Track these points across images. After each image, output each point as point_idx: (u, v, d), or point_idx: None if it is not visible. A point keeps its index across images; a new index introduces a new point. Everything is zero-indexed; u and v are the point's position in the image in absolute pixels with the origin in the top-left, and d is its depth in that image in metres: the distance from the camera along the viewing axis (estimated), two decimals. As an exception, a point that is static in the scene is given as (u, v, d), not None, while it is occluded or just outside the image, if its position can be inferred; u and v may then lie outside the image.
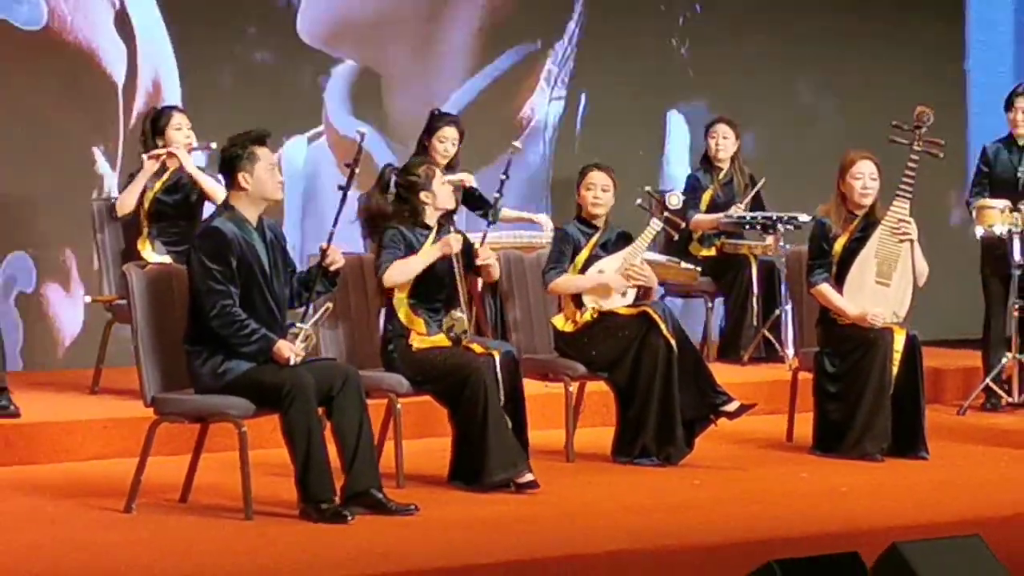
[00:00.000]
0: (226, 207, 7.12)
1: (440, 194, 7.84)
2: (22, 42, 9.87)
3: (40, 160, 9.80)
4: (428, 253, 7.70)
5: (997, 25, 13.01)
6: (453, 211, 8.02)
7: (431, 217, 7.82)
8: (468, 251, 7.90)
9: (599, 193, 8.39)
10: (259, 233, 7.08)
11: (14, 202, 9.81)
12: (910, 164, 8.63)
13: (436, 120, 9.83)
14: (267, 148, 7.09)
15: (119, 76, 10.12)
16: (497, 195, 8.81)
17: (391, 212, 7.86)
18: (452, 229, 7.84)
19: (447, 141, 9.77)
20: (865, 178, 8.55)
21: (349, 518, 6.84)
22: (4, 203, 9.77)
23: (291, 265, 7.25)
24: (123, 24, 10.11)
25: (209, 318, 6.93)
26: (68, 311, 9.94)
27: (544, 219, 10.09)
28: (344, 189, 7.53)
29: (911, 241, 8.57)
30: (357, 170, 7.56)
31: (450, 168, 9.73)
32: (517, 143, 8.81)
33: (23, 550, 6.43)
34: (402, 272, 7.69)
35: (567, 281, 8.33)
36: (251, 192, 7.05)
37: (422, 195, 7.81)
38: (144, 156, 8.84)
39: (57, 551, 6.43)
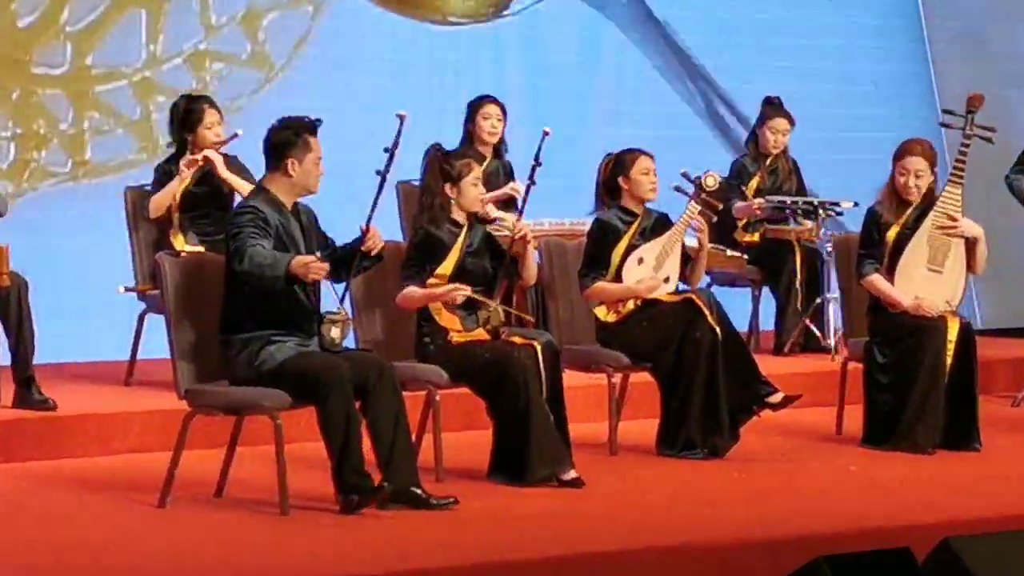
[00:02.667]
0: (260, 190, 7.12)
1: (467, 194, 7.76)
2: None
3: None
4: (435, 294, 7.64)
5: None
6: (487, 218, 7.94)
7: (458, 213, 7.76)
8: (497, 251, 7.86)
9: (653, 179, 8.38)
10: (295, 217, 7.10)
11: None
12: (962, 149, 8.64)
13: (477, 100, 9.84)
14: (317, 139, 7.09)
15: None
16: (530, 182, 8.76)
17: (419, 204, 7.86)
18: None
19: (491, 117, 9.79)
20: (910, 175, 8.55)
21: (384, 489, 6.84)
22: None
23: (329, 244, 7.22)
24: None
25: (240, 268, 6.87)
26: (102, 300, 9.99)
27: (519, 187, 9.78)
28: (382, 174, 7.50)
29: (976, 237, 8.55)
30: (397, 153, 7.51)
31: (496, 152, 9.75)
32: (547, 128, 8.72)
33: (54, 545, 6.43)
34: (411, 302, 7.68)
35: (599, 291, 8.30)
36: (295, 180, 7.08)
37: (447, 187, 7.76)
38: (182, 164, 8.82)
39: (89, 547, 6.45)
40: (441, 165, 7.80)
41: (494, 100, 9.86)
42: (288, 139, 7.08)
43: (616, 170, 8.41)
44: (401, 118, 7.57)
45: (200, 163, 8.80)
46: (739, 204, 10.47)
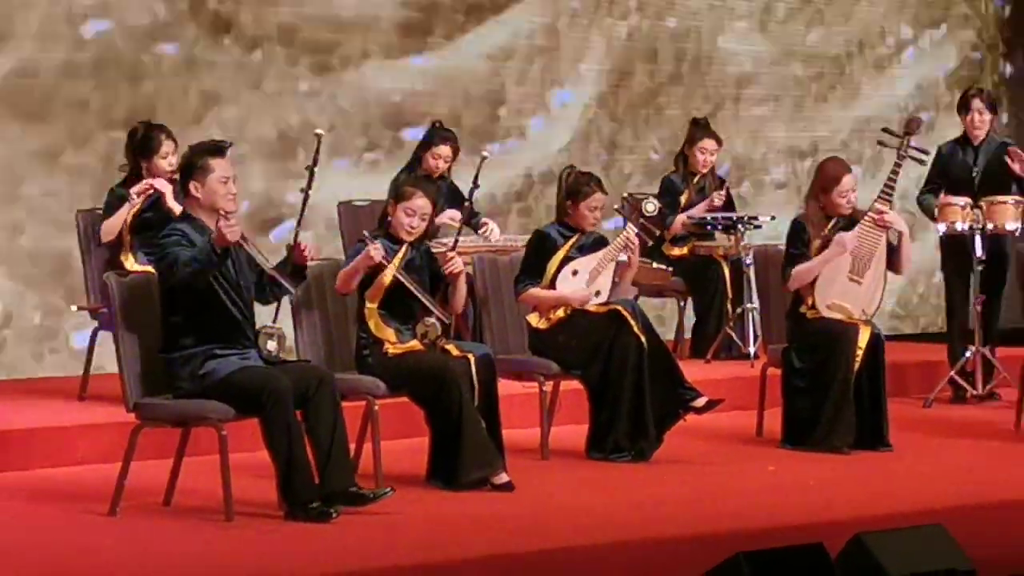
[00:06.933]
0: (184, 217, 7.05)
1: (397, 217, 7.64)
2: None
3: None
4: (359, 260, 7.54)
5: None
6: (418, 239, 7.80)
7: (399, 231, 7.65)
8: (431, 264, 7.76)
9: (598, 216, 8.38)
10: None
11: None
12: (895, 169, 8.64)
13: (433, 135, 9.75)
14: (223, 159, 7.01)
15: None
16: (468, 203, 8.70)
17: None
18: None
19: (440, 159, 9.70)
20: (850, 194, 8.52)
21: (334, 515, 6.78)
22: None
23: (258, 266, 7.12)
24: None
25: (178, 278, 6.77)
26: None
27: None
28: (304, 191, 7.44)
29: (900, 233, 8.52)
30: (316, 170, 7.45)
31: (442, 178, 9.65)
32: (485, 152, 8.68)
33: (7, 554, 6.35)
34: (343, 278, 7.60)
35: (532, 296, 8.30)
36: (202, 201, 6.99)
37: (390, 204, 7.73)
38: (132, 192, 8.68)
39: (41, 555, 6.38)
40: (398, 183, 7.77)
41: (448, 140, 9.73)
42: (188, 163, 7.05)
43: (571, 192, 8.37)
44: (318, 137, 7.51)
45: (149, 192, 8.68)
46: (676, 220, 10.48)
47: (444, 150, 9.69)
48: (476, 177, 8.42)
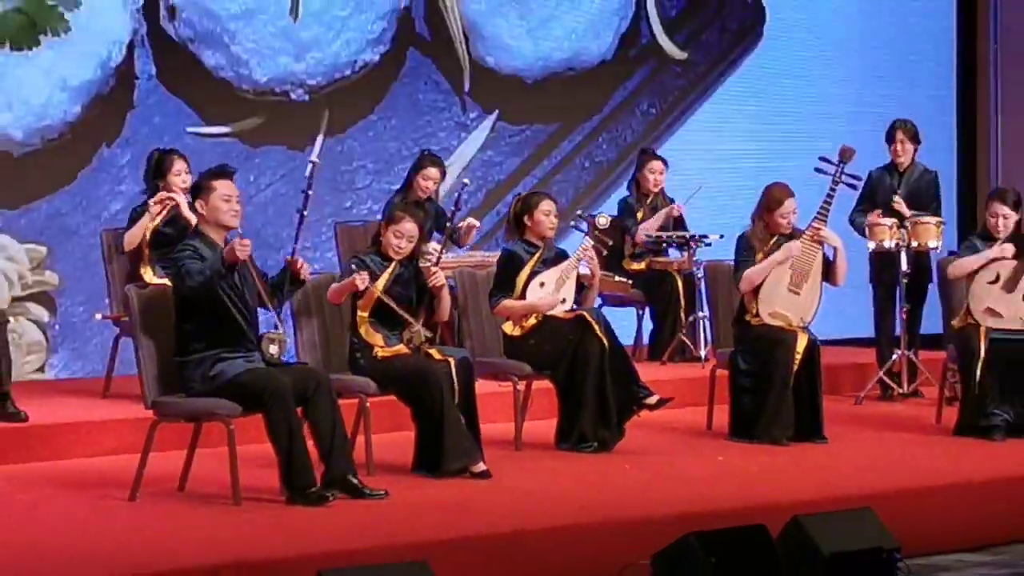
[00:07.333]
0: (195, 233, 7.28)
1: (386, 238, 7.90)
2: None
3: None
4: (346, 284, 7.78)
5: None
6: (408, 258, 8.03)
7: (388, 250, 7.92)
8: (418, 278, 7.98)
9: (553, 220, 8.60)
10: None
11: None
12: (830, 193, 8.87)
13: (423, 159, 10.06)
14: (227, 180, 7.22)
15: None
16: (450, 225, 9.08)
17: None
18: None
19: (429, 180, 9.98)
20: (790, 215, 8.79)
21: (331, 498, 6.97)
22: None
23: (263, 276, 7.36)
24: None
25: (189, 286, 6.99)
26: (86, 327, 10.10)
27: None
28: (300, 212, 7.74)
29: (835, 248, 8.78)
30: (311, 194, 7.78)
31: (429, 200, 9.97)
32: (466, 179, 9.06)
33: (40, 534, 6.53)
34: (333, 292, 7.85)
35: (505, 308, 8.49)
36: (207, 218, 7.20)
37: (382, 225, 8.02)
38: (151, 202, 8.92)
39: (70, 534, 6.56)
40: (392, 206, 7.96)
41: (436, 163, 10.03)
42: (195, 185, 7.33)
43: (523, 209, 8.59)
44: (313, 164, 7.84)
45: (166, 202, 8.84)
46: (640, 228, 10.76)
47: (433, 172, 9.99)
48: (457, 201, 8.73)
